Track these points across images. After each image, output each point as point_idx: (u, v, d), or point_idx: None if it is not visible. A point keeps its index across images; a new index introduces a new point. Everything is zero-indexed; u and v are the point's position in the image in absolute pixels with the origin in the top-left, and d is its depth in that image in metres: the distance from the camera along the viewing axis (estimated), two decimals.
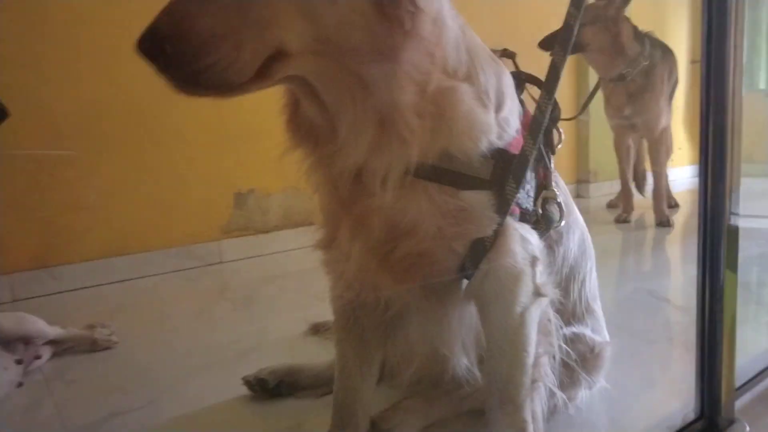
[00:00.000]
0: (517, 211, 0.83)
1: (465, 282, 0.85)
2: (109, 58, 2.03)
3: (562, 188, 0.95)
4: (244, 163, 2.47)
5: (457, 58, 0.77)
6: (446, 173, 0.77)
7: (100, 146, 2.16)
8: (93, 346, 1.48)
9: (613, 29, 2.65)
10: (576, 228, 1.04)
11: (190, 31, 0.63)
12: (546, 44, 2.39)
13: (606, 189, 3.73)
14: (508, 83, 0.86)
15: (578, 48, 2.66)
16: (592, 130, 3.73)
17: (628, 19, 2.71)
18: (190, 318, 1.79)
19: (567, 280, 1.02)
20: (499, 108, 0.81)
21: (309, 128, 0.80)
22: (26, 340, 1.38)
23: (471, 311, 0.90)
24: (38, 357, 1.40)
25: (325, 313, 1.49)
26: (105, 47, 2.05)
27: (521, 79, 0.97)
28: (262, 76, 0.67)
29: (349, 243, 0.83)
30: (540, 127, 0.84)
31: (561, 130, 0.95)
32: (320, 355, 1.31)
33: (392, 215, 0.78)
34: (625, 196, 3.08)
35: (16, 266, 2.00)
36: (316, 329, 1.54)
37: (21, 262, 2.02)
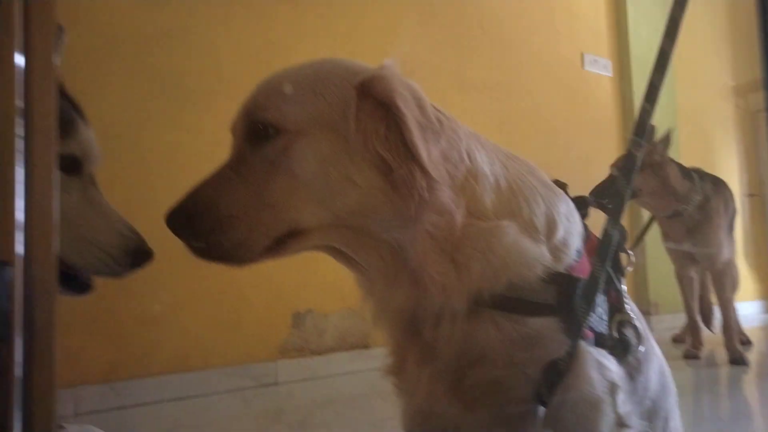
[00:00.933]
0: (591, 335, 0.82)
1: (542, 409, 0.81)
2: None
3: (635, 313, 0.93)
4: (303, 284, 2.53)
5: (497, 199, 0.81)
6: (509, 301, 0.78)
7: (170, 261, 2.26)
8: None
9: (660, 173, 2.69)
10: (653, 357, 1.00)
11: (209, 211, 0.73)
12: (598, 193, 2.44)
13: (668, 322, 3.56)
14: (562, 207, 0.88)
15: (630, 195, 2.70)
16: (649, 259, 3.65)
17: (671, 160, 2.75)
18: None
19: (649, 415, 0.96)
20: (550, 234, 0.83)
21: (358, 276, 0.85)
22: None
23: None
24: None
25: None
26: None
27: (585, 204, 0.99)
28: (276, 250, 0.76)
29: (417, 370, 0.83)
30: (608, 248, 0.84)
31: (631, 252, 0.94)
32: None
33: (460, 343, 0.78)
34: (693, 330, 2.92)
35: (81, 380, 2.04)
36: None
37: (85, 376, 2.06)
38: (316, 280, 2.46)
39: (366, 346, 2.66)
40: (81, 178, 0.98)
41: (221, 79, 2.37)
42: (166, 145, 2.26)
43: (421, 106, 0.77)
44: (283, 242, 0.75)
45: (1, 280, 0.34)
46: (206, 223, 0.72)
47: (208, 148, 2.18)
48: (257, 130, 0.76)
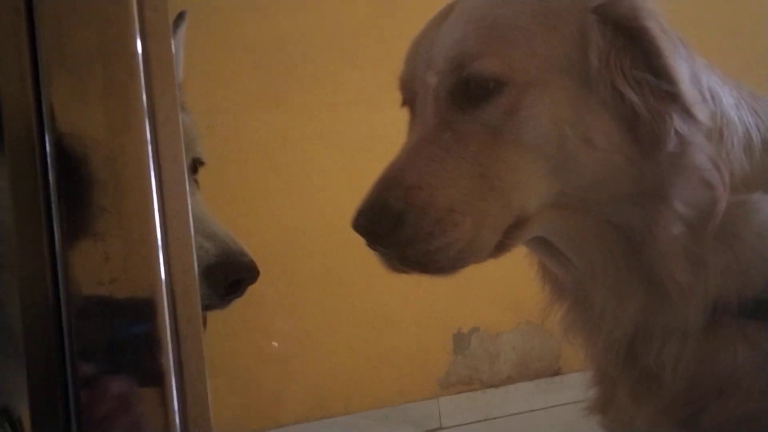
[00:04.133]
0: None
1: None
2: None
3: None
4: (463, 295, 2.56)
5: (749, 161, 0.78)
6: (766, 306, 0.76)
7: (297, 284, 2.42)
8: None
9: None
10: None
11: (428, 206, 0.70)
12: None
13: None
14: None
15: None
16: None
17: None
18: None
19: None
20: None
21: (561, 283, 0.84)
22: None
23: None
24: None
25: None
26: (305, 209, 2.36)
27: None
28: (501, 247, 0.76)
29: (632, 405, 0.84)
30: None
31: None
32: None
33: (695, 368, 0.77)
34: None
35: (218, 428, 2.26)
36: None
37: (225, 427, 2.27)
38: (481, 290, 2.49)
39: (556, 373, 2.64)
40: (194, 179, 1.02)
41: (333, 39, 2.45)
42: (271, 132, 2.40)
43: (664, 27, 0.75)
44: (508, 236, 0.75)
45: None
46: (424, 225, 0.70)
47: (323, 130, 2.29)
48: (469, 88, 0.75)
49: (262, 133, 2.38)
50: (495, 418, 2.51)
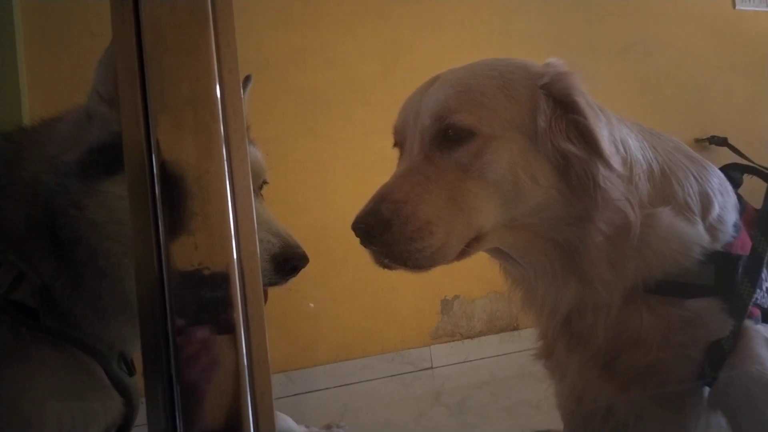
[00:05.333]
0: (758, 312, 0.77)
1: (706, 390, 0.79)
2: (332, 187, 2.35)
3: None
4: (449, 271, 2.56)
5: (652, 186, 0.78)
6: (664, 286, 0.76)
7: (329, 265, 2.45)
8: None
9: None
10: None
11: (410, 217, 0.71)
12: None
13: None
14: (714, 181, 0.83)
15: None
16: None
17: None
18: (411, 421, 1.86)
19: None
20: (705, 212, 0.79)
21: (515, 278, 0.85)
22: None
23: (720, 421, 0.82)
24: None
25: (545, 421, 1.44)
26: (332, 177, 2.38)
27: (741, 171, 0.93)
28: (462, 253, 0.76)
29: (566, 355, 0.84)
30: None
31: None
32: None
33: (611, 330, 0.78)
34: None
35: (276, 367, 2.29)
36: None
37: (278, 365, 2.30)
38: (461, 268, 2.46)
39: (515, 329, 2.66)
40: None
41: (353, 87, 2.49)
42: (308, 154, 2.43)
43: (589, 101, 0.76)
44: (469, 245, 0.76)
45: None
46: (406, 231, 0.70)
47: (345, 152, 2.32)
48: (447, 134, 0.76)
49: (300, 155, 2.42)
50: (471, 361, 2.53)
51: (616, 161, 0.71)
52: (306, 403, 2.21)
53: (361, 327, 2.46)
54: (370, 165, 2.26)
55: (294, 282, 2.50)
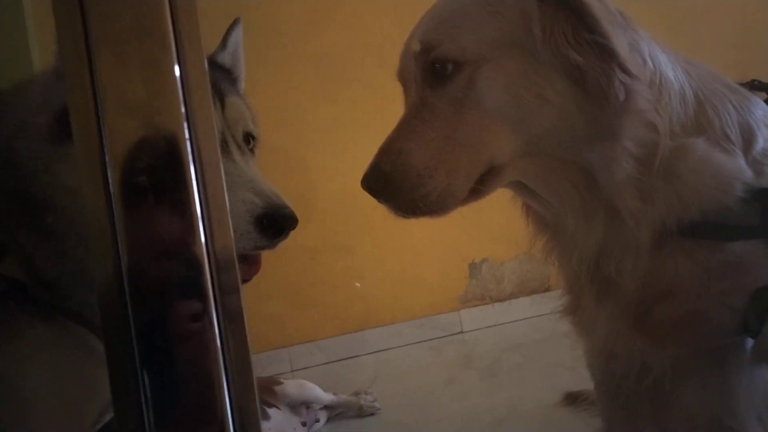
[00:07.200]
0: None
1: (749, 341, 0.71)
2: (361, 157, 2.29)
3: None
4: (475, 234, 2.51)
5: (684, 112, 0.69)
6: (702, 227, 0.68)
7: (354, 232, 2.41)
8: (359, 412, 1.60)
9: None
10: None
11: (406, 167, 0.68)
12: None
13: None
14: (758, 113, 0.74)
15: None
16: None
17: None
18: (441, 387, 1.82)
19: None
20: (748, 145, 0.70)
21: (542, 219, 0.79)
22: (307, 405, 1.54)
23: (766, 376, 0.75)
24: (317, 420, 1.55)
25: (579, 382, 1.39)
26: (358, 149, 2.33)
27: None
28: (477, 192, 0.71)
29: (594, 307, 0.78)
30: None
31: None
32: (578, 426, 1.20)
33: (644, 277, 0.71)
34: None
35: (291, 341, 2.28)
36: (572, 399, 1.43)
37: (293, 338, 2.30)
38: (488, 230, 2.43)
39: (547, 290, 2.59)
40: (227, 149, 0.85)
41: (368, 49, 2.40)
42: (327, 121, 2.38)
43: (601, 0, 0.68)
44: (483, 182, 0.71)
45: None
46: (407, 180, 0.68)
47: (365, 117, 2.25)
48: (435, 70, 0.71)
49: (320, 121, 2.35)
50: (501, 324, 2.47)
51: (633, 64, 0.63)
52: (335, 371, 2.19)
53: (388, 294, 2.42)
54: (388, 127, 2.19)
55: (318, 251, 2.46)
